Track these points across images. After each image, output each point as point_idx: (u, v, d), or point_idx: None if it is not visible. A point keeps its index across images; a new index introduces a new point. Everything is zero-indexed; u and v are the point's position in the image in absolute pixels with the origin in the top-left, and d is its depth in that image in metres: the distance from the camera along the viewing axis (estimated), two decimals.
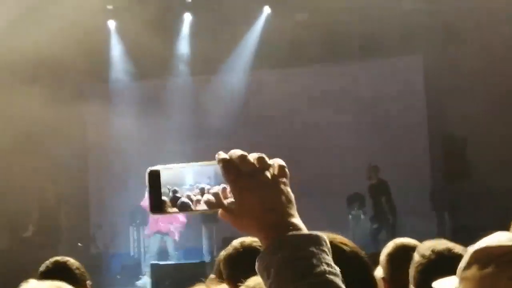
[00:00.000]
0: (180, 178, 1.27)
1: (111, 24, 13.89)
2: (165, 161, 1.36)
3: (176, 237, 11.80)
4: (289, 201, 1.26)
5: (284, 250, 1.19)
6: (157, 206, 1.26)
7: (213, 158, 1.27)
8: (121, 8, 12.92)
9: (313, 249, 1.20)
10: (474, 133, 13.01)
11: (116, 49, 14.04)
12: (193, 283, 2.44)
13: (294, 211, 1.26)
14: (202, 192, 1.27)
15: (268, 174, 1.26)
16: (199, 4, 13.58)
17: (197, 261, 11.21)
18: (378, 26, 13.44)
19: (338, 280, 1.19)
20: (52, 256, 3.76)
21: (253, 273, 2.91)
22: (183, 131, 13.69)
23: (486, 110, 12.40)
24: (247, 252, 2.89)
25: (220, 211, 1.27)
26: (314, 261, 1.19)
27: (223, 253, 3.02)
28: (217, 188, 1.27)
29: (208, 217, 14.30)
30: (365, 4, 13.05)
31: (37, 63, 11.67)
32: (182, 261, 11.41)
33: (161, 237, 11.67)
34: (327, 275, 1.18)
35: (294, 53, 14.10)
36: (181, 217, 11.58)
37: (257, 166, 1.26)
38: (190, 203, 1.26)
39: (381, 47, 13.94)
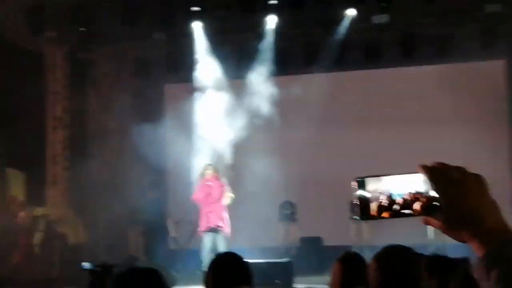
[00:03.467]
0: (388, 186, 1.36)
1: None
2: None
3: (228, 231, 11.75)
4: (496, 206, 1.32)
5: (505, 258, 1.24)
6: (366, 212, 1.36)
7: None
8: None
9: None
10: None
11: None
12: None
13: (502, 215, 1.31)
14: (414, 198, 1.34)
15: (472, 181, 1.32)
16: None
17: (285, 260, 11.28)
18: (459, 29, 13.36)
19: None
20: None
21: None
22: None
23: None
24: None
25: (425, 217, 1.34)
26: None
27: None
28: (427, 194, 1.34)
29: (285, 217, 14.52)
30: (446, 6, 12.94)
31: None
32: (261, 260, 11.15)
33: (213, 236, 11.72)
34: None
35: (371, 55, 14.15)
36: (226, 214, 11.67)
37: (461, 174, 1.33)
38: (403, 208, 1.35)
39: (461, 51, 13.82)
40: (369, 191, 1.36)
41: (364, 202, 1.36)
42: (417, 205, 1.34)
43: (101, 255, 12.39)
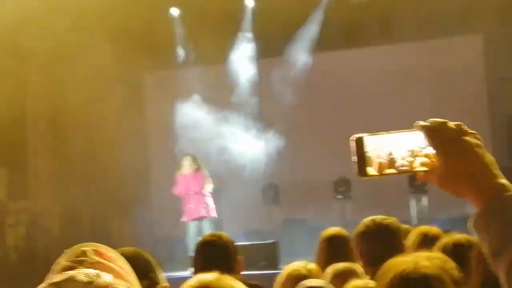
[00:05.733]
0: (388, 143, 1.37)
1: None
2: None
3: (215, 214, 11.74)
4: (493, 162, 1.34)
5: (506, 209, 1.28)
6: (364, 170, 1.36)
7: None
8: None
9: None
10: None
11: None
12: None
13: (499, 172, 1.34)
14: (413, 154, 1.36)
15: (469, 139, 1.35)
16: None
17: (270, 241, 11.29)
18: (435, 5, 13.41)
19: None
20: None
21: (384, 248, 3.05)
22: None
23: None
24: (379, 229, 3.01)
25: (423, 173, 1.37)
26: None
27: (355, 230, 3.16)
28: (426, 151, 1.36)
29: (269, 200, 14.56)
30: None
31: None
32: (246, 242, 11.15)
33: (198, 223, 11.71)
34: None
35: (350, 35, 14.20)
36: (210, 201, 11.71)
37: (458, 132, 1.35)
38: (405, 163, 1.36)
39: (439, 27, 13.88)
40: (367, 149, 1.37)
41: (363, 160, 1.36)
42: (416, 162, 1.37)
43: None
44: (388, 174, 1.37)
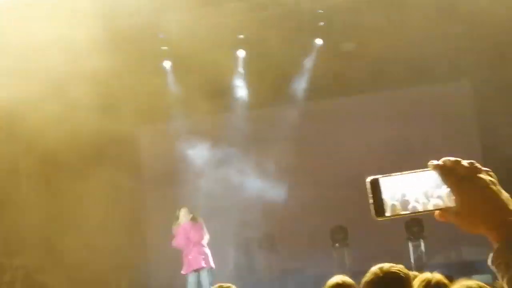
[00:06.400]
0: (402, 184, 1.40)
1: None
2: None
3: (213, 265, 11.71)
4: (508, 199, 1.38)
5: None
6: (380, 210, 1.40)
7: None
8: None
9: None
10: None
11: None
12: None
13: None
14: (427, 195, 1.39)
15: (483, 176, 1.38)
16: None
17: None
18: (425, 52, 13.58)
19: None
20: None
21: None
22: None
23: None
24: (387, 276, 3.03)
25: (439, 212, 1.39)
26: None
27: (364, 279, 3.17)
28: (440, 192, 1.39)
29: (266, 249, 14.47)
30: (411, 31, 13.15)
31: None
32: None
33: (197, 275, 11.68)
34: None
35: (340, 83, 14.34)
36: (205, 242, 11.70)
37: (472, 169, 1.38)
38: (419, 205, 1.39)
39: (428, 74, 14.02)
40: (382, 190, 1.40)
41: (379, 201, 1.39)
42: (430, 204, 1.39)
43: None
44: (403, 215, 1.40)
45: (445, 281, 3.58)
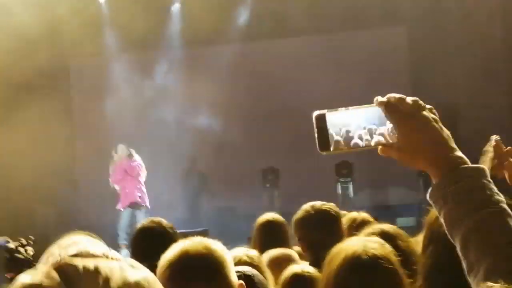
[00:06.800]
0: (347, 120, 1.41)
1: None
2: None
3: (148, 204, 11.82)
4: (449, 136, 1.41)
5: (461, 181, 1.34)
6: (325, 145, 1.41)
7: None
8: None
9: (484, 180, 1.35)
10: (462, 102, 13.31)
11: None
12: None
13: (455, 145, 1.41)
14: (370, 132, 1.41)
15: (426, 113, 1.41)
16: None
17: (200, 229, 11.30)
18: None
19: (509, 209, 1.34)
20: None
21: (323, 232, 3.14)
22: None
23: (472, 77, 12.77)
24: (318, 214, 3.10)
25: (381, 148, 1.41)
26: (488, 191, 1.34)
27: (295, 216, 3.23)
28: (383, 129, 1.41)
29: (196, 188, 14.54)
30: None
31: None
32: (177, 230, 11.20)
33: (131, 211, 11.74)
34: (501, 204, 1.34)
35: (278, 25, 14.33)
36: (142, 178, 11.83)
37: (415, 106, 1.41)
38: (361, 141, 1.41)
39: (364, 19, 14.12)
40: (328, 125, 1.40)
41: (324, 136, 1.40)
42: (375, 137, 1.41)
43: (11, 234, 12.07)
44: (346, 150, 1.42)
45: (371, 219, 3.70)
